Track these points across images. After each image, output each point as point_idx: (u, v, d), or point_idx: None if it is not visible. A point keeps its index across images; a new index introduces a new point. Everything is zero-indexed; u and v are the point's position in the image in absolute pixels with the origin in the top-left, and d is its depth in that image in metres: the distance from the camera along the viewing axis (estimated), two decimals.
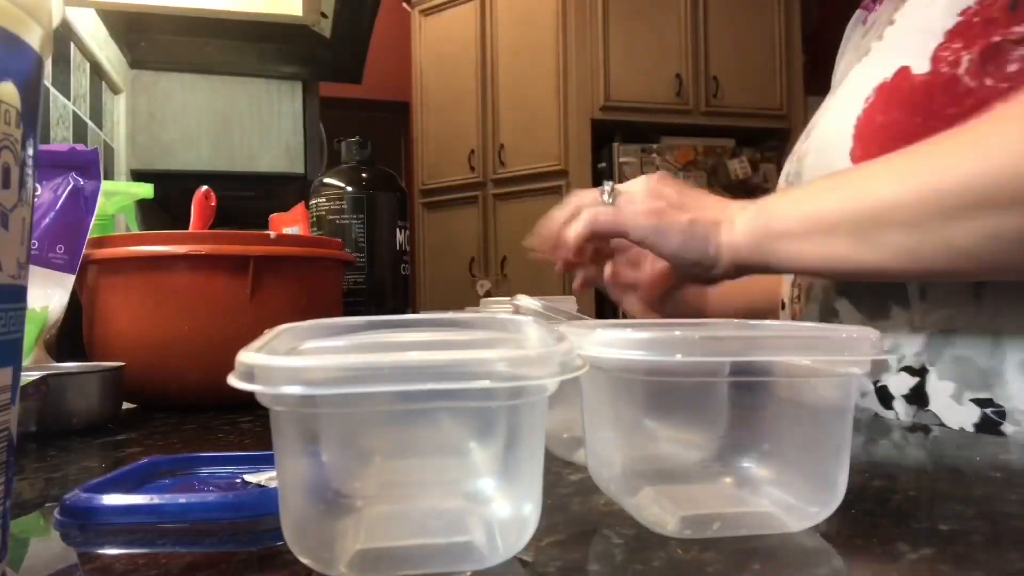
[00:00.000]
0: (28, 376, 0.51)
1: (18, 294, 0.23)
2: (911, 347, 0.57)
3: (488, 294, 3.30)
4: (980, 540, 0.29)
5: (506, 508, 0.26)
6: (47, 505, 0.35)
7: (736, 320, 0.36)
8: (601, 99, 3.14)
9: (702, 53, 3.26)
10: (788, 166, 0.70)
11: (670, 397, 0.30)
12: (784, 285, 0.73)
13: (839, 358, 0.28)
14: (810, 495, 0.29)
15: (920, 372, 0.57)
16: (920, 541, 0.28)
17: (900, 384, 0.58)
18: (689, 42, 3.24)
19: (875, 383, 0.60)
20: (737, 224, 0.55)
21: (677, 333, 0.27)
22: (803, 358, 0.28)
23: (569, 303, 0.94)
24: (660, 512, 0.29)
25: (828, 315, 0.63)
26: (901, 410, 0.58)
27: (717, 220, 0.56)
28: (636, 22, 3.20)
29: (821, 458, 0.29)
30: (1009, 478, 0.39)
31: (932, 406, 0.56)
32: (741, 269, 0.56)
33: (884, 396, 0.59)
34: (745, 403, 0.31)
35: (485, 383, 0.22)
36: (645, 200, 0.58)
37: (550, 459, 0.40)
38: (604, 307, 3.12)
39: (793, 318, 0.70)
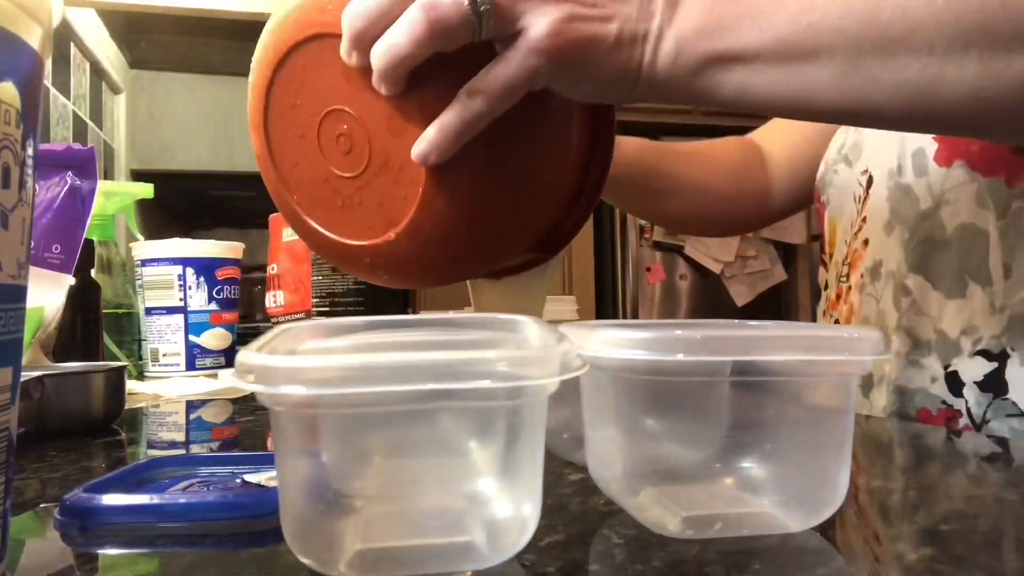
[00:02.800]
0: (26, 376, 0.51)
1: (18, 294, 0.23)
2: (989, 329, 0.53)
3: None
4: (980, 540, 0.29)
5: (506, 508, 0.26)
6: (46, 505, 0.35)
7: (737, 320, 0.36)
8: None
9: None
10: (843, 136, 0.68)
11: (671, 397, 0.30)
12: (828, 270, 0.70)
13: (840, 358, 0.28)
14: (811, 495, 0.29)
15: (999, 357, 0.53)
16: (920, 541, 0.28)
17: (974, 370, 0.54)
18: None
19: (945, 367, 0.55)
20: (668, 40, 0.38)
21: (678, 333, 0.27)
22: (804, 358, 0.28)
23: (568, 303, 0.94)
24: (662, 512, 0.29)
25: (900, 293, 0.59)
26: (972, 398, 0.54)
27: (641, 30, 0.38)
28: None
29: (822, 458, 0.29)
30: (1010, 477, 0.39)
31: (1011, 394, 0.52)
32: (658, 97, 0.40)
33: (954, 382, 0.55)
34: (746, 403, 0.31)
35: (485, 383, 0.22)
36: None
37: (550, 459, 0.40)
38: (604, 307, 3.12)
39: (838, 298, 0.67)
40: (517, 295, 0.54)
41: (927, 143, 0.58)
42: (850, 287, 0.65)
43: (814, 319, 0.81)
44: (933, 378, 0.56)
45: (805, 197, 0.79)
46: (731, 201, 0.79)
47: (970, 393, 0.54)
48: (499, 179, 0.41)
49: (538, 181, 0.43)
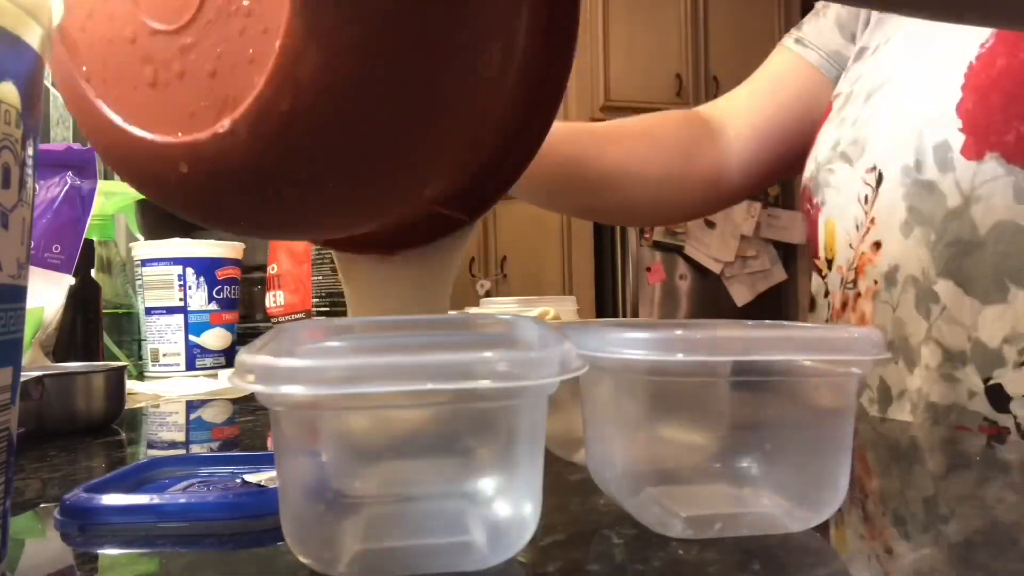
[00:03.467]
0: (26, 376, 0.51)
1: (18, 294, 0.23)
2: None
3: (488, 294, 3.30)
4: (980, 540, 0.29)
5: (506, 508, 0.26)
6: (46, 505, 0.35)
7: (736, 320, 0.36)
8: (601, 99, 3.14)
9: (702, 53, 3.26)
10: (837, 132, 0.62)
11: (671, 397, 0.30)
12: (825, 276, 0.64)
13: (840, 358, 0.28)
14: (811, 495, 0.29)
15: None
16: (920, 541, 0.28)
17: (1022, 382, 0.49)
18: (689, 42, 3.24)
19: (985, 381, 0.50)
20: None
21: (678, 333, 0.27)
22: (805, 358, 0.28)
23: (569, 303, 0.94)
24: (662, 513, 0.29)
25: (927, 300, 0.53)
26: (1022, 413, 0.48)
27: None
28: (636, 22, 3.20)
29: (822, 458, 0.29)
30: (1010, 478, 0.39)
31: None
32: None
33: (997, 397, 0.50)
34: (746, 403, 0.31)
35: (485, 383, 0.22)
36: None
37: (550, 459, 0.40)
38: (604, 307, 3.12)
39: (844, 306, 0.62)
40: (415, 280, 0.36)
41: (952, 135, 0.52)
42: (859, 294, 0.60)
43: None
44: (971, 393, 0.51)
45: (774, 173, 0.73)
46: (675, 186, 0.73)
47: (1019, 408, 0.49)
48: (407, 36, 0.25)
49: (466, 60, 0.28)
